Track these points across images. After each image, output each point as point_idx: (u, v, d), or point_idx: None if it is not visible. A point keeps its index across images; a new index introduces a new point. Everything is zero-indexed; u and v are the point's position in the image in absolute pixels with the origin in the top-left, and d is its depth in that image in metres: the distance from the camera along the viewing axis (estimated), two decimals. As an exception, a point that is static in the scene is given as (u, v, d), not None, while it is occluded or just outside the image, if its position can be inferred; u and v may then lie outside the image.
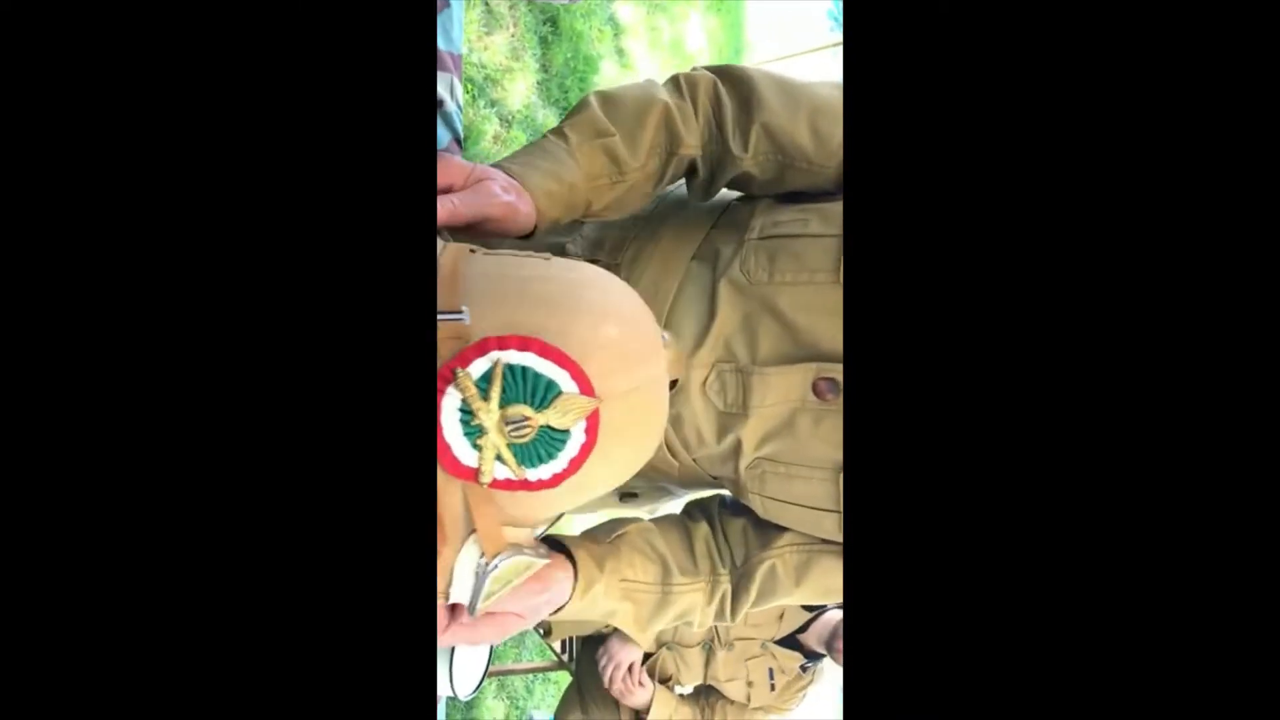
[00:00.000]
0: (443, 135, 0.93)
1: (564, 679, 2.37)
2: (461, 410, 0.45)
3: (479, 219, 0.58)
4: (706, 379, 0.64)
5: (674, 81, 0.71)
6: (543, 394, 0.45)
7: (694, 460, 0.71)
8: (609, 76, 3.03)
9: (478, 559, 0.50)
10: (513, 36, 2.54)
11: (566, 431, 0.46)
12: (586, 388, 0.45)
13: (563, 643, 2.13)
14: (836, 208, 0.65)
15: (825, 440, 0.61)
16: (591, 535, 0.68)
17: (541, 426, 0.45)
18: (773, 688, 1.65)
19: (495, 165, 0.63)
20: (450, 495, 0.48)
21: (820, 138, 0.66)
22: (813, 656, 1.62)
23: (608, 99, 0.68)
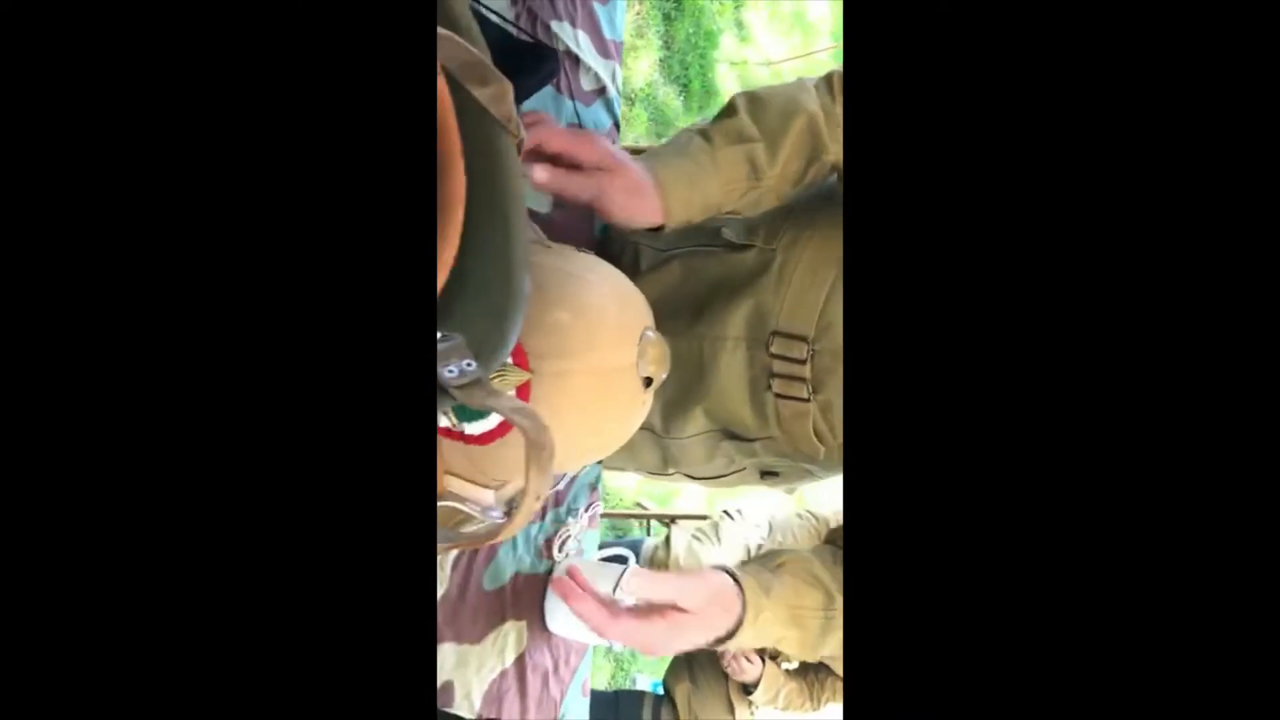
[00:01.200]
0: (604, 119, 0.96)
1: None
2: None
3: (588, 204, 0.63)
4: None
5: (826, 81, 0.71)
6: None
7: (840, 446, 0.73)
8: (728, 50, 3.00)
9: None
10: (638, 15, 2.55)
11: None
12: (521, 361, 0.51)
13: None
14: None
15: None
16: (753, 565, 0.70)
17: None
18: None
19: (639, 156, 0.66)
20: None
21: None
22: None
23: (754, 101, 0.69)
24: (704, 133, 0.67)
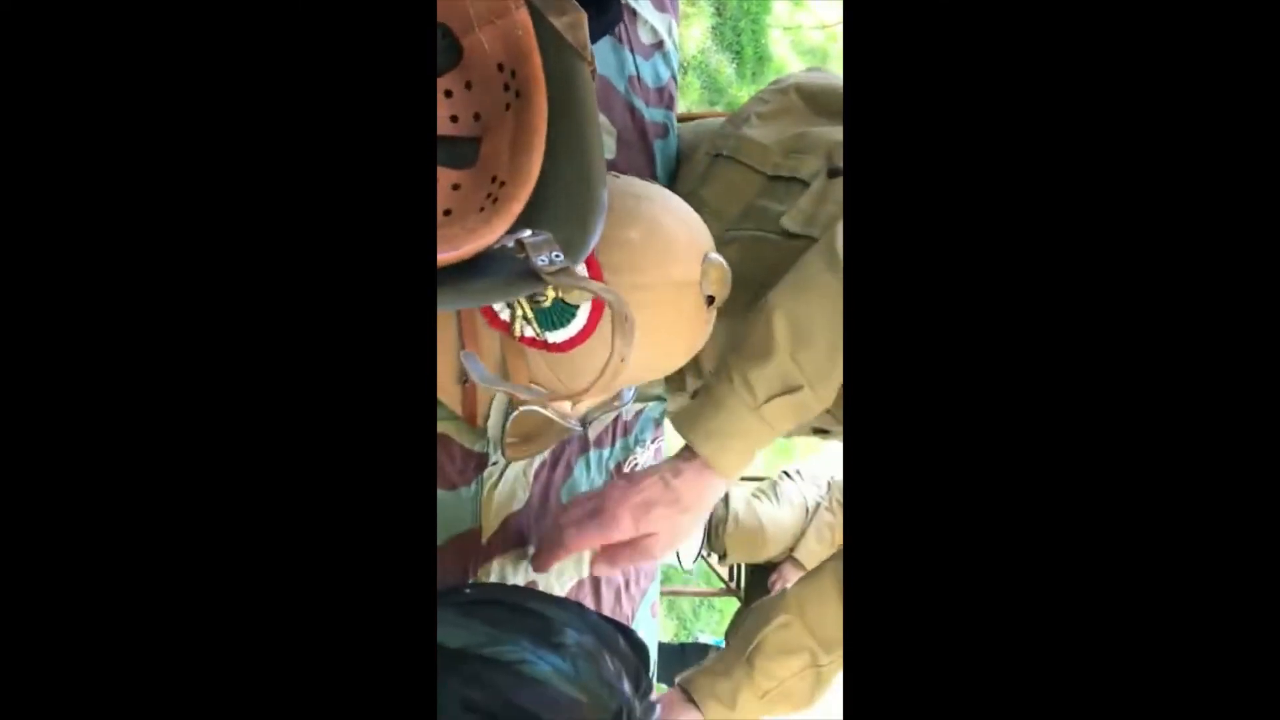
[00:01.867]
0: (663, 72, 1.00)
1: (729, 605, 2.48)
2: None
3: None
4: None
5: None
6: None
7: None
8: (781, 15, 3.00)
9: (506, 405, 0.64)
10: (690, -19, 2.57)
11: (576, 307, 0.57)
12: (596, 273, 0.56)
13: (731, 569, 2.24)
14: None
15: None
16: (724, 659, 0.73)
17: (555, 299, 0.57)
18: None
19: (690, 439, 0.62)
20: (490, 340, 0.61)
21: None
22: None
23: (797, 331, 0.61)
24: (745, 381, 0.61)
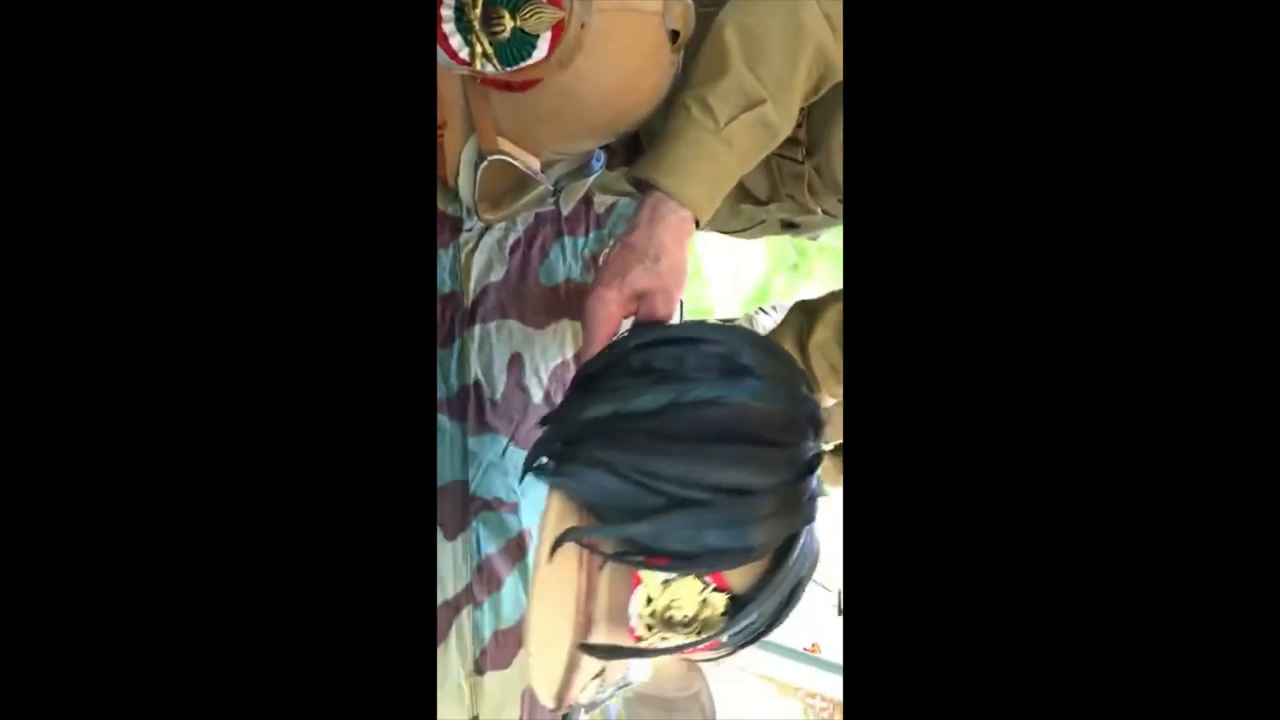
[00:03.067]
0: None
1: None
2: (455, 6, 0.53)
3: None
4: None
5: None
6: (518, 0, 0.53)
7: (837, 201, 0.77)
8: None
9: (475, 155, 0.61)
10: None
11: (536, 35, 0.54)
12: (556, 1, 0.53)
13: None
14: None
15: None
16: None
17: (513, 28, 0.54)
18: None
19: (640, 179, 0.59)
20: (450, 81, 0.59)
21: None
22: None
23: (748, 41, 0.58)
24: (703, 104, 0.58)
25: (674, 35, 0.61)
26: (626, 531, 0.49)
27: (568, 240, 0.85)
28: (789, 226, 0.94)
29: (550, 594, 0.51)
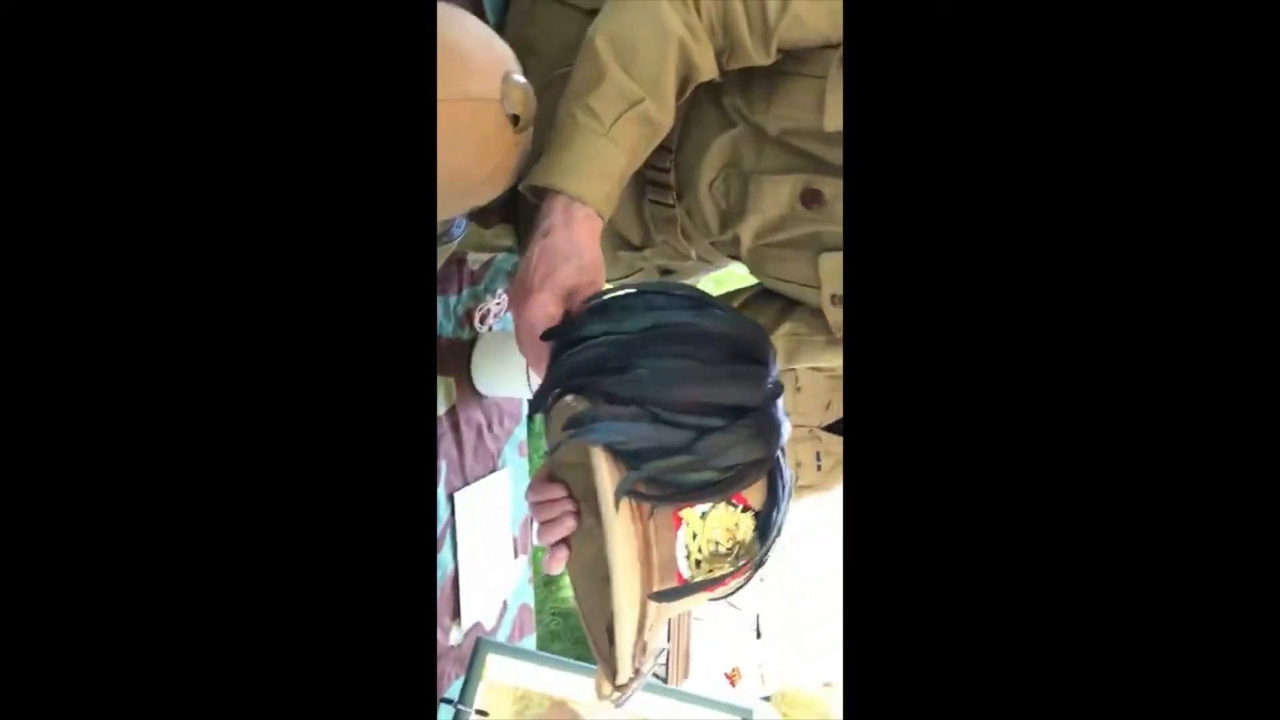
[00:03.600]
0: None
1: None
2: None
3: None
4: (713, 181, 0.73)
5: None
6: None
7: (710, 245, 0.81)
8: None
9: None
10: None
11: None
12: None
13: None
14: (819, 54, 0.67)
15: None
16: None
17: None
18: (819, 468, 1.81)
19: (538, 187, 0.62)
20: None
21: (836, 16, 0.63)
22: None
23: (619, 47, 0.63)
24: (588, 110, 0.62)
25: (514, 119, 0.65)
26: (666, 473, 0.51)
27: (439, 300, 0.87)
28: (666, 272, 0.98)
29: (626, 552, 0.51)
